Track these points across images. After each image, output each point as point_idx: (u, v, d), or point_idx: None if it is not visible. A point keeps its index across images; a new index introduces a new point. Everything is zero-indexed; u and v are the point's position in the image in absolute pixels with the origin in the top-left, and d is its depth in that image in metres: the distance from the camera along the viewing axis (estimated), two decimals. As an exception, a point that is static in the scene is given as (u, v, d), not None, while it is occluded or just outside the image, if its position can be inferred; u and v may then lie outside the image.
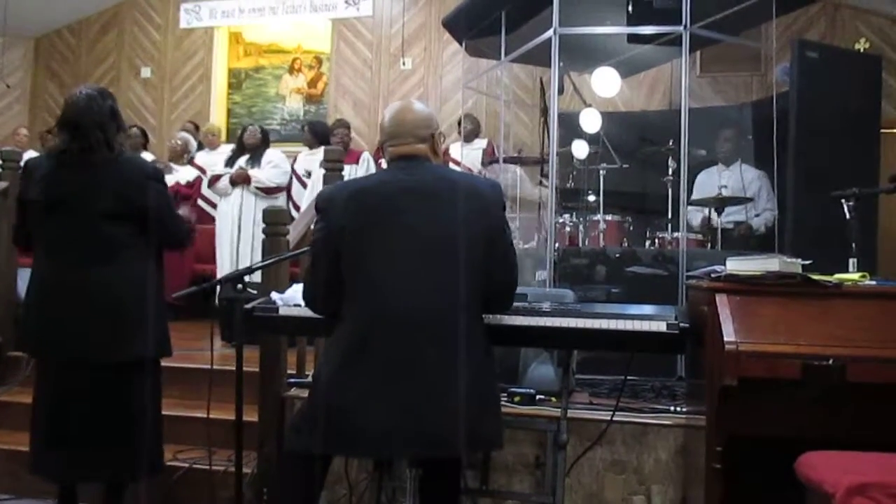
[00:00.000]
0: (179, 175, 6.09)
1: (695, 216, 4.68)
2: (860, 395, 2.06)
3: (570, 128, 4.71)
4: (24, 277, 3.61)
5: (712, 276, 2.28)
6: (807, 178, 4.26)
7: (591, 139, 4.71)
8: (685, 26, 3.67)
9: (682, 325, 2.23)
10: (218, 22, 8.13)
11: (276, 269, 3.03)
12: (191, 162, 6.40)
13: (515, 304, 2.24)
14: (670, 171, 4.47)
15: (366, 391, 1.91)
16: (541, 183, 4.75)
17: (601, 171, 4.62)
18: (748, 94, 6.40)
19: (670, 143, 4.42)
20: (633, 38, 4.37)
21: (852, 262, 2.58)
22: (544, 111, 4.44)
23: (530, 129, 6.85)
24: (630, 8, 4.04)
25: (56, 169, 2.56)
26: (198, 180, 6.18)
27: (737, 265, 2.28)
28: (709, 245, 4.29)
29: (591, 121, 4.61)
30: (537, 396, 2.94)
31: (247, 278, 2.63)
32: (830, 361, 2.01)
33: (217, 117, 7.98)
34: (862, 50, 6.16)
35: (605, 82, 4.59)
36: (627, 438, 2.78)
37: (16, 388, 3.69)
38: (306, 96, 8.03)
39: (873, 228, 4.42)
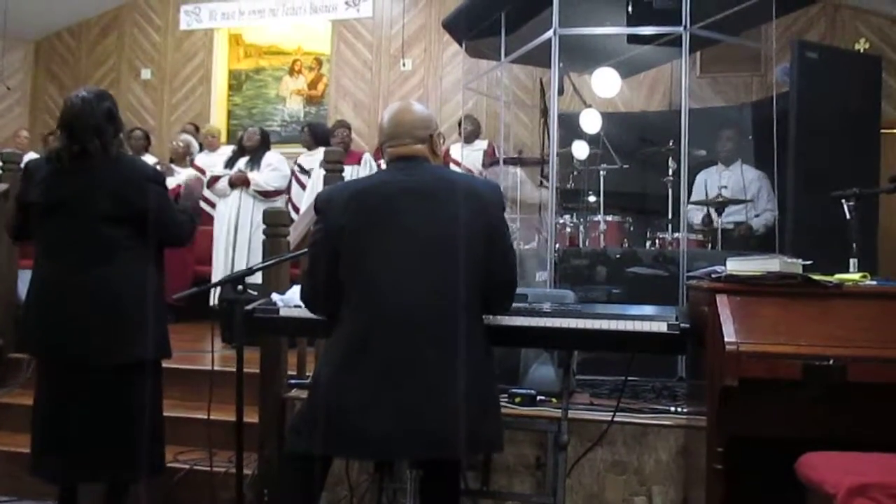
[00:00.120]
0: (181, 177, 6.08)
1: (695, 214, 4.68)
2: (861, 395, 2.06)
3: (571, 128, 4.71)
4: (24, 280, 3.62)
5: (713, 276, 2.28)
6: (807, 178, 4.26)
7: (592, 140, 4.71)
8: (685, 27, 3.67)
9: (682, 325, 2.23)
10: (218, 23, 8.13)
11: (276, 270, 3.03)
12: (192, 164, 6.40)
13: (516, 304, 2.24)
14: (670, 172, 4.47)
15: (365, 392, 1.91)
16: (541, 184, 4.75)
17: (601, 172, 4.62)
18: (748, 94, 6.40)
19: (670, 144, 4.42)
20: (633, 39, 4.37)
21: (853, 262, 2.58)
22: (544, 112, 4.44)
23: (530, 130, 6.85)
24: (630, 8, 4.04)
25: (55, 172, 2.56)
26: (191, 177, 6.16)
27: (737, 266, 2.28)
28: (709, 245, 4.29)
29: (591, 121, 4.61)
30: (538, 397, 2.94)
31: (247, 279, 2.63)
32: (831, 362, 2.01)
33: (217, 119, 7.98)
34: (862, 50, 6.16)
35: (605, 83, 4.59)
36: (628, 439, 2.78)
37: (17, 390, 3.69)
38: (306, 98, 8.03)
39: (874, 229, 4.42)
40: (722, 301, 2.16)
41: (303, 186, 5.94)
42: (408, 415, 1.89)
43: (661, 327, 2.24)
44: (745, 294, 2.18)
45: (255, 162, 5.30)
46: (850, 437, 2.01)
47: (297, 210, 5.60)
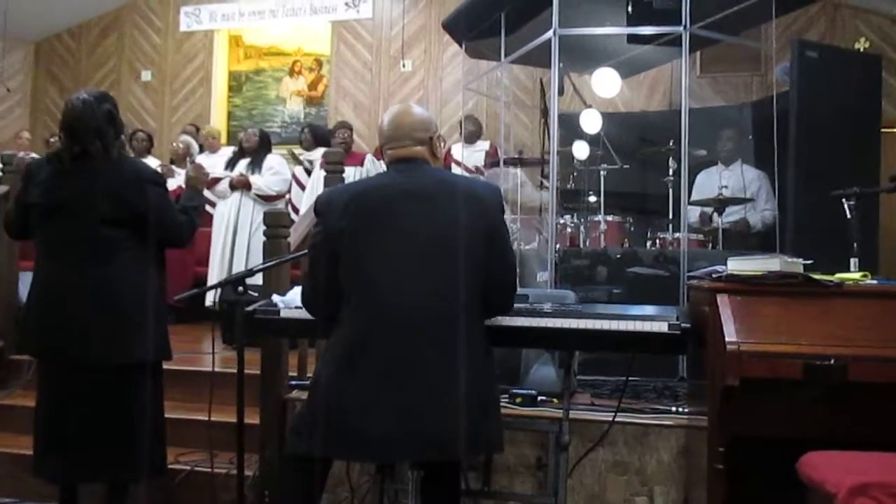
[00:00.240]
0: (182, 178, 6.07)
1: (693, 212, 4.68)
2: (862, 394, 2.06)
3: (571, 128, 4.71)
4: (25, 281, 3.63)
5: (713, 276, 2.28)
6: (807, 177, 4.26)
7: (592, 140, 4.71)
8: (685, 27, 3.67)
9: (683, 325, 2.23)
10: (218, 25, 8.14)
11: (277, 271, 3.03)
12: (192, 165, 6.39)
13: (517, 305, 2.24)
14: (671, 172, 4.47)
15: (365, 394, 1.91)
16: (542, 185, 4.75)
17: (602, 172, 4.62)
18: (748, 94, 6.40)
19: (670, 144, 4.42)
20: (632, 39, 4.37)
21: (853, 261, 2.58)
22: (544, 112, 4.44)
23: (531, 131, 6.85)
24: (630, 8, 4.04)
25: (55, 173, 2.57)
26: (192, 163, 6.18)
27: (738, 265, 2.28)
28: (710, 245, 4.29)
29: (591, 121, 4.61)
30: (539, 397, 2.94)
31: (248, 281, 2.63)
32: (832, 361, 2.01)
33: (217, 120, 7.99)
34: (862, 49, 6.16)
35: (606, 83, 4.59)
36: (629, 439, 2.77)
37: (18, 392, 3.69)
38: (307, 99, 8.03)
39: (874, 228, 4.42)
40: (723, 301, 2.16)
41: (302, 187, 5.94)
42: (408, 416, 1.89)
43: (661, 327, 2.24)
44: (746, 294, 2.18)
45: (256, 164, 5.30)
46: (851, 436, 2.01)
47: (296, 211, 5.60)
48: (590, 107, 4.82)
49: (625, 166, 4.72)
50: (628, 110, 6.53)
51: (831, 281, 2.20)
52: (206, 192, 5.50)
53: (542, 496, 2.76)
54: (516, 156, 5.17)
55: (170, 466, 2.99)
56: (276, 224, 3.17)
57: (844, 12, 6.51)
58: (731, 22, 4.10)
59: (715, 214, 4.35)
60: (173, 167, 6.16)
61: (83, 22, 8.47)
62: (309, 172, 6.05)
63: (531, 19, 4.31)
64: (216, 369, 2.99)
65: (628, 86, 6.08)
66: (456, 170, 6.16)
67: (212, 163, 5.91)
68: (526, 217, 4.87)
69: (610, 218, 4.43)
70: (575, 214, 4.54)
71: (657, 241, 4.33)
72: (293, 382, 3.16)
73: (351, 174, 5.36)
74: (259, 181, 5.23)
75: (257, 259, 3.77)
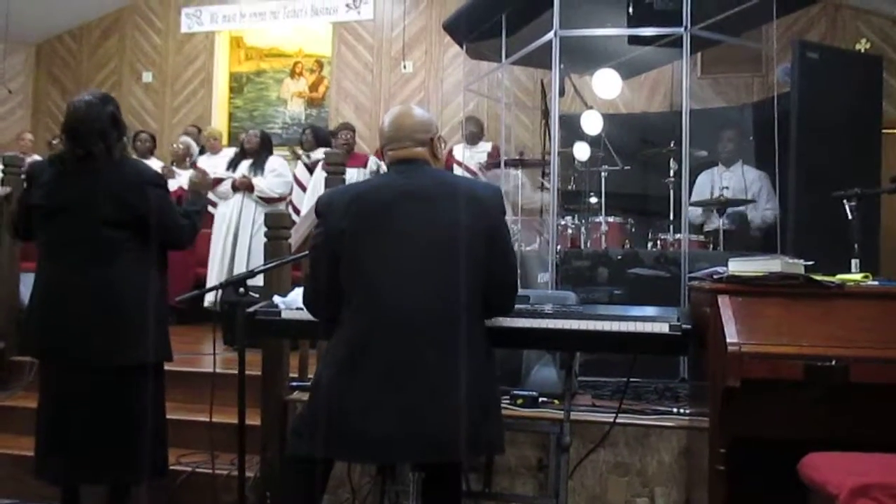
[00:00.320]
0: (182, 179, 6.10)
1: (697, 217, 4.68)
2: (863, 395, 2.05)
3: (572, 130, 4.71)
4: (26, 283, 3.63)
5: (714, 277, 2.28)
6: (808, 178, 4.26)
7: (593, 141, 4.71)
8: (686, 28, 3.67)
9: (684, 326, 2.23)
10: (219, 26, 8.14)
11: (278, 272, 3.03)
12: (193, 166, 6.41)
13: (517, 306, 2.24)
14: (671, 173, 4.47)
15: (366, 395, 1.91)
16: (542, 186, 4.75)
17: (602, 173, 4.62)
18: (749, 95, 6.40)
19: (671, 145, 4.42)
20: (633, 40, 4.37)
21: (854, 262, 2.58)
22: (545, 113, 4.45)
23: (531, 132, 6.85)
24: (630, 10, 4.04)
25: (58, 175, 2.57)
26: (195, 168, 6.20)
27: (739, 266, 2.28)
28: (711, 246, 4.29)
29: (592, 123, 4.61)
30: (540, 399, 2.93)
31: (248, 282, 2.63)
32: (833, 362, 2.01)
33: (218, 121, 7.99)
34: (863, 50, 6.15)
35: (606, 84, 4.59)
36: (630, 440, 2.77)
37: (20, 393, 3.70)
38: (308, 100, 8.04)
39: (875, 229, 4.42)
40: (724, 302, 2.16)
41: (303, 189, 5.94)
42: (409, 417, 1.89)
43: (662, 328, 2.24)
44: (747, 295, 2.18)
45: (258, 166, 5.29)
46: (852, 437, 2.01)
47: (297, 212, 5.60)
48: (591, 108, 4.82)
49: (626, 167, 4.72)
50: (629, 111, 6.53)
51: (832, 282, 2.20)
52: (209, 193, 5.51)
53: (544, 497, 2.76)
54: (517, 157, 5.17)
55: (171, 468, 2.99)
56: (277, 225, 3.17)
57: (845, 13, 6.51)
58: (731, 23, 4.10)
59: (715, 216, 4.35)
60: (174, 168, 6.17)
61: (84, 23, 8.48)
62: (308, 168, 6.05)
63: (532, 20, 4.31)
64: (217, 370, 3.00)
65: (629, 87, 6.09)
66: (458, 171, 6.16)
67: (213, 164, 5.93)
68: (526, 218, 4.88)
69: (611, 219, 4.43)
70: (576, 215, 4.54)
71: (658, 242, 4.33)
72: (294, 383, 3.16)
73: (354, 176, 5.37)
74: (262, 183, 5.23)
75: (258, 260, 3.77)
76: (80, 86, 8.02)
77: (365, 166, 5.88)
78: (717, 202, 4.32)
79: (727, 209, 4.38)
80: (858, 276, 2.35)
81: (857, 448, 1.93)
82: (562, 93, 4.04)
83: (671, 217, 4.42)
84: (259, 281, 3.08)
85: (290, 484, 2.16)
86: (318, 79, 8.01)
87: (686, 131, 3.67)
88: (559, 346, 2.64)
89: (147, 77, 8.31)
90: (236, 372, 2.57)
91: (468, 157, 6.29)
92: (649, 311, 2.44)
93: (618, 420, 2.73)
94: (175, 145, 6.50)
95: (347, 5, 7.75)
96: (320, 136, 6.58)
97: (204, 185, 3.02)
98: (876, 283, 2.29)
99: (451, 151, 6.43)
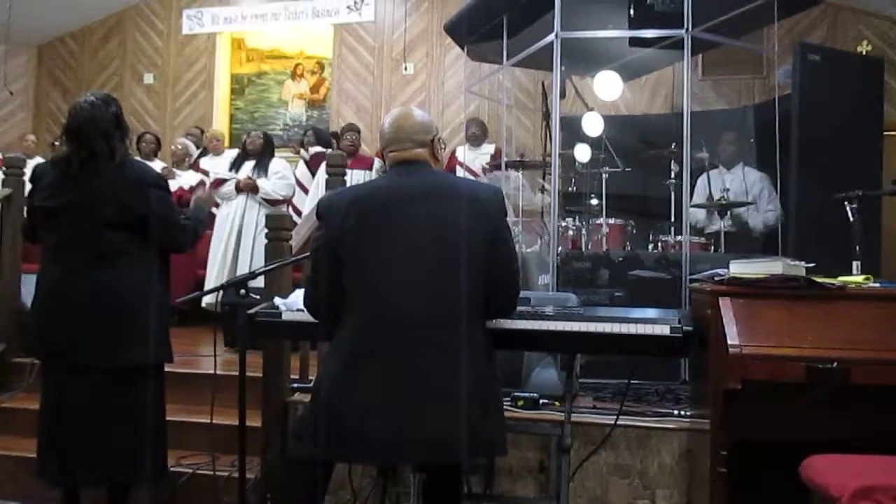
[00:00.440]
0: (182, 180, 6.12)
1: (698, 218, 4.67)
2: (864, 397, 2.05)
3: (573, 131, 4.70)
4: (28, 284, 3.63)
5: (716, 279, 2.28)
6: (809, 180, 4.26)
7: (594, 143, 4.70)
8: (687, 29, 3.67)
9: (685, 328, 2.23)
10: (220, 28, 8.15)
11: (278, 273, 3.03)
12: (195, 167, 6.43)
13: (518, 308, 2.24)
14: (672, 175, 4.47)
15: (367, 397, 1.91)
16: (542, 189, 4.75)
17: (603, 175, 4.62)
18: (750, 97, 6.41)
19: (672, 147, 4.41)
20: (634, 42, 4.37)
21: (856, 264, 2.58)
22: (546, 115, 4.44)
23: (532, 133, 6.86)
24: (632, 11, 4.04)
25: (60, 177, 2.58)
26: (200, 184, 6.21)
27: (740, 268, 2.28)
28: (712, 248, 4.29)
29: (593, 124, 4.61)
30: (541, 400, 2.93)
31: (249, 283, 2.63)
32: (834, 364, 2.01)
33: (220, 123, 8.00)
34: (864, 52, 6.15)
35: (607, 86, 4.59)
36: (631, 442, 2.77)
37: (20, 394, 3.69)
38: (309, 101, 8.04)
39: (877, 231, 4.42)
40: (725, 304, 2.16)
41: (305, 191, 5.94)
42: (411, 419, 1.89)
43: (663, 330, 2.24)
44: (748, 296, 2.18)
45: (261, 168, 5.28)
46: (854, 439, 2.01)
47: (298, 214, 5.60)
48: (591, 109, 4.81)
49: (626, 169, 4.72)
50: (630, 113, 6.53)
51: (834, 284, 2.20)
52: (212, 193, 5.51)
53: (544, 499, 2.76)
54: (518, 159, 5.17)
55: (172, 469, 3.00)
56: (277, 227, 3.17)
57: (846, 15, 6.52)
58: (732, 25, 4.10)
59: (717, 217, 4.35)
60: (173, 169, 6.18)
61: (86, 25, 8.49)
62: (310, 168, 6.05)
63: (533, 22, 4.31)
64: (218, 372, 2.99)
65: (630, 89, 6.09)
66: (460, 172, 6.17)
67: (216, 165, 5.94)
68: (527, 220, 4.87)
69: (612, 221, 4.42)
70: (577, 217, 4.53)
71: (659, 243, 4.33)
72: (295, 385, 3.16)
73: (360, 178, 5.37)
74: (266, 185, 5.23)
75: (261, 262, 3.76)
76: (82, 87, 8.03)
77: (370, 169, 5.87)
78: (718, 204, 4.31)
79: (728, 213, 4.37)
80: (860, 278, 2.35)
81: (859, 450, 1.93)
82: (563, 94, 4.04)
83: (672, 219, 4.41)
84: (260, 282, 3.08)
85: (291, 485, 2.16)
86: (319, 80, 8.01)
87: (687, 133, 3.67)
88: (560, 347, 2.64)
89: (148, 78, 8.32)
90: (237, 373, 2.57)
91: (471, 159, 6.29)
92: (650, 312, 2.43)
93: (619, 422, 2.73)
94: (173, 147, 6.53)
95: (348, 7, 7.76)
96: (322, 137, 6.59)
97: (208, 203, 3.05)
98: (877, 285, 2.29)
99: (453, 153, 6.44)
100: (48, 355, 2.62)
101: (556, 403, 2.92)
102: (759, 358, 2.04)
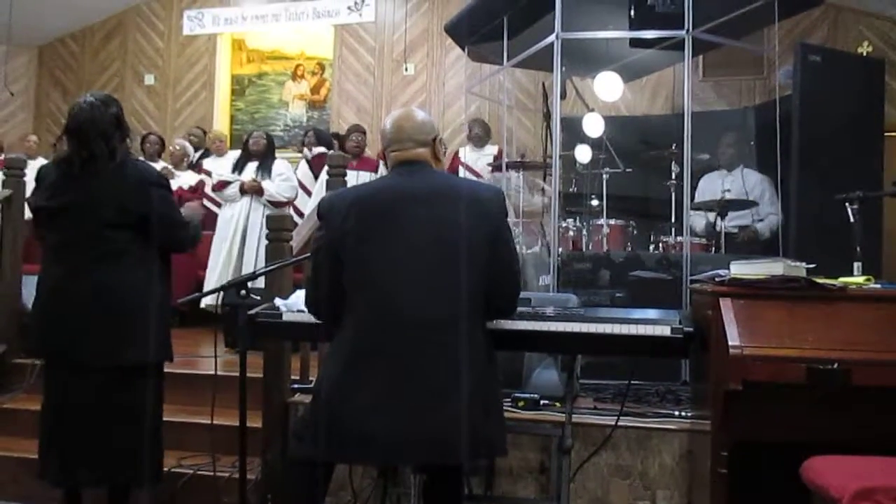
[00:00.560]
0: (181, 180, 6.14)
1: (698, 221, 4.67)
2: (865, 398, 2.05)
3: (573, 132, 4.71)
4: (28, 285, 3.64)
5: (716, 280, 2.28)
6: (810, 181, 4.26)
7: (594, 143, 4.71)
8: (687, 30, 3.67)
9: (686, 329, 2.23)
10: (221, 29, 8.15)
11: (279, 274, 3.03)
12: (198, 167, 6.45)
13: (519, 308, 2.24)
14: (673, 175, 4.47)
15: (368, 397, 1.91)
16: (543, 191, 4.75)
17: (604, 176, 4.62)
18: (751, 97, 6.40)
19: (673, 147, 4.42)
20: (635, 43, 4.36)
21: (857, 265, 2.58)
22: (547, 116, 4.45)
23: (533, 134, 6.86)
24: (632, 12, 4.04)
25: (61, 177, 2.58)
26: (200, 184, 6.24)
27: (741, 269, 2.28)
28: (713, 249, 4.29)
29: (593, 125, 4.61)
30: (541, 401, 2.93)
31: (250, 284, 2.63)
32: (835, 365, 2.01)
33: (220, 124, 8.00)
34: (865, 53, 6.16)
35: (608, 87, 4.59)
36: (632, 443, 2.77)
37: (21, 395, 3.70)
38: (309, 102, 8.04)
39: (878, 232, 4.42)
40: (726, 304, 2.16)
41: (307, 192, 5.93)
42: (411, 419, 1.89)
43: (664, 331, 2.24)
44: (749, 297, 2.17)
45: (265, 169, 5.29)
46: (854, 440, 2.01)
47: (300, 215, 5.60)
48: (592, 110, 4.82)
49: (627, 170, 4.72)
50: (631, 114, 6.53)
51: (834, 285, 2.20)
52: (214, 195, 5.53)
53: (545, 500, 2.76)
54: (518, 159, 5.17)
55: (172, 470, 3.01)
56: (278, 227, 3.17)
57: (847, 16, 6.51)
58: (733, 26, 4.10)
59: (718, 218, 4.35)
60: (172, 169, 6.20)
61: (86, 26, 8.49)
62: (312, 169, 6.04)
63: (533, 23, 4.31)
64: (219, 373, 2.99)
65: (631, 89, 6.09)
66: (463, 173, 6.17)
67: (219, 166, 5.95)
68: (526, 221, 4.87)
69: (612, 221, 4.43)
70: (577, 218, 4.53)
71: (660, 244, 4.33)
72: (295, 386, 3.16)
73: (366, 179, 5.37)
74: (271, 187, 5.23)
75: (267, 263, 3.77)
76: (83, 88, 8.02)
77: (376, 171, 5.86)
78: (719, 205, 4.31)
79: (728, 214, 4.37)
80: (861, 279, 2.35)
81: (860, 451, 1.92)
82: (563, 95, 4.04)
83: (673, 220, 4.42)
84: (260, 283, 3.08)
85: (292, 486, 2.16)
86: (319, 81, 8.01)
87: (687, 134, 3.67)
88: (561, 348, 2.64)
89: (149, 79, 8.32)
90: (237, 374, 2.57)
91: (474, 160, 6.29)
92: (651, 313, 2.43)
93: (619, 423, 2.73)
94: (171, 148, 6.56)
95: (349, 8, 7.76)
96: (323, 138, 6.59)
97: (197, 213, 3.09)
98: (878, 286, 2.29)
99: (456, 154, 6.45)
100: (49, 355, 2.62)
101: (557, 404, 2.92)
102: (760, 359, 2.04)
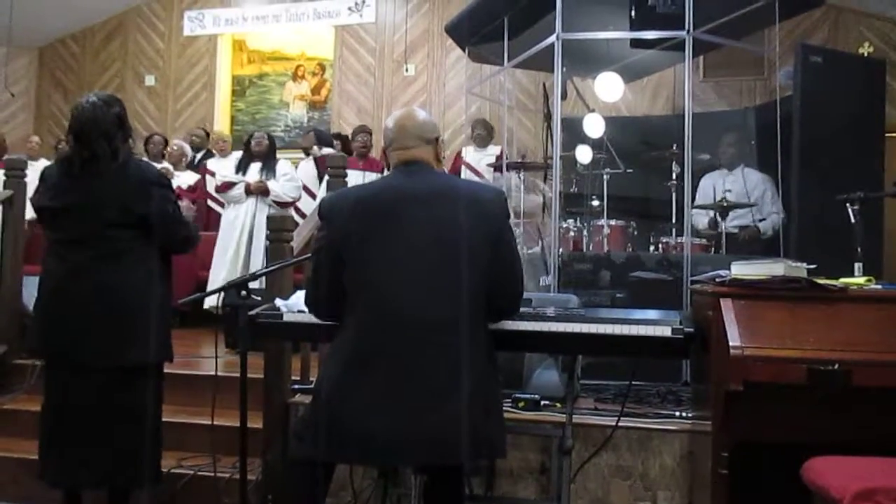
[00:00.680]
0: (180, 180, 6.15)
1: (700, 220, 4.67)
2: (866, 399, 2.05)
3: (574, 132, 4.70)
4: (29, 286, 3.63)
5: (717, 280, 2.28)
6: (811, 182, 4.26)
7: (595, 144, 4.71)
8: (688, 31, 3.67)
9: (686, 330, 2.23)
10: (221, 29, 8.16)
11: (279, 275, 3.03)
12: (201, 167, 6.46)
13: (520, 309, 2.23)
14: (674, 176, 4.47)
15: (369, 398, 1.91)
16: (540, 190, 4.75)
17: (605, 176, 4.62)
18: (751, 98, 6.41)
19: (674, 148, 4.41)
20: (636, 43, 4.36)
21: (858, 266, 2.58)
22: (547, 116, 4.45)
23: (533, 135, 6.86)
24: (633, 13, 4.04)
25: (63, 177, 2.58)
26: (199, 183, 6.25)
27: (741, 269, 2.28)
28: (713, 249, 4.29)
29: (594, 125, 4.61)
30: (542, 402, 2.93)
31: (250, 284, 2.63)
32: (836, 366, 2.00)
33: (221, 125, 8.00)
34: (865, 54, 6.16)
35: (609, 87, 4.59)
36: (633, 444, 2.77)
37: (22, 396, 3.69)
38: (310, 103, 8.05)
39: (879, 232, 4.42)
40: (726, 305, 2.16)
41: (313, 196, 5.93)
42: (412, 420, 1.89)
43: (665, 332, 2.24)
44: (750, 298, 2.17)
45: (269, 169, 5.29)
46: (855, 441, 2.00)
47: (302, 215, 5.60)
48: (593, 111, 4.81)
49: (628, 170, 4.72)
50: (631, 114, 6.53)
51: (835, 285, 2.20)
52: (218, 195, 5.54)
53: (546, 501, 2.76)
54: (519, 160, 5.17)
55: (172, 471, 3.01)
56: (279, 228, 3.17)
57: (848, 17, 6.51)
58: (734, 26, 4.10)
59: (719, 219, 4.35)
60: (171, 169, 6.21)
61: (87, 27, 8.50)
62: (318, 167, 6.05)
63: (534, 24, 4.31)
64: (219, 373, 2.99)
65: (631, 90, 6.09)
66: (466, 173, 6.18)
67: (222, 167, 5.95)
68: (526, 221, 4.87)
69: (613, 222, 4.42)
70: (578, 218, 4.53)
71: (660, 245, 4.32)
72: (296, 386, 3.16)
73: (372, 179, 5.37)
74: (277, 187, 5.23)
75: (274, 264, 3.77)
76: (83, 89, 8.03)
77: (382, 172, 5.86)
78: (720, 206, 4.31)
79: (729, 213, 4.37)
80: (861, 280, 2.34)
81: (861, 452, 1.92)
82: (564, 96, 4.04)
83: (673, 220, 4.41)
84: (261, 283, 3.08)
85: (293, 487, 2.15)
86: (320, 82, 8.02)
87: (688, 134, 3.67)
88: (561, 349, 2.64)
89: (150, 80, 8.33)
90: (238, 375, 2.57)
91: (477, 160, 6.30)
92: (651, 314, 2.43)
93: (620, 423, 2.73)
94: (169, 149, 6.57)
95: (349, 8, 7.76)
96: (324, 139, 6.60)
97: (190, 215, 3.09)
98: (879, 286, 2.29)
99: (459, 154, 6.45)
100: (51, 356, 2.62)
101: (558, 405, 2.92)
102: (761, 359, 2.04)
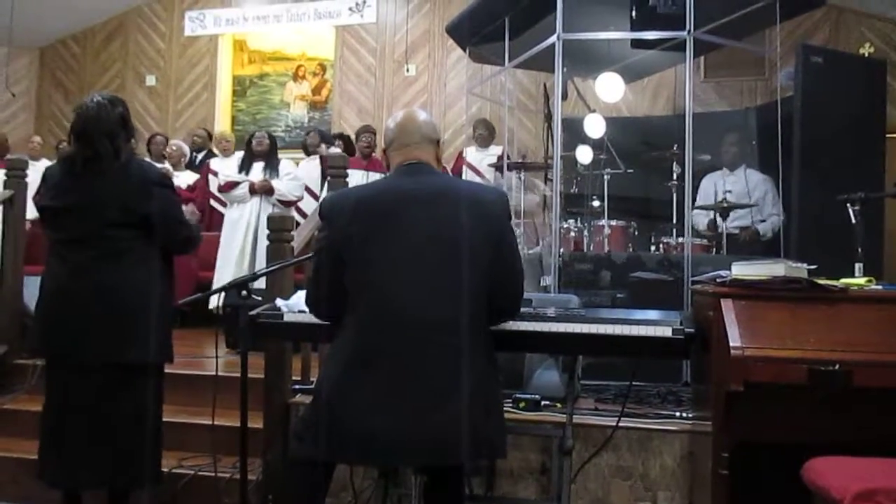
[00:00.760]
0: (179, 180, 6.16)
1: (700, 220, 4.67)
2: (866, 400, 2.05)
3: (574, 133, 4.71)
4: (30, 286, 3.63)
5: (718, 281, 2.28)
6: (812, 182, 4.26)
7: (596, 144, 4.71)
8: (689, 31, 3.67)
9: (687, 330, 2.23)
10: (222, 30, 8.16)
11: (280, 275, 3.03)
12: (204, 167, 6.46)
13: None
14: (675, 176, 4.47)
15: (369, 398, 1.91)
16: (538, 190, 4.76)
17: (605, 176, 4.62)
18: (752, 98, 6.40)
19: (674, 148, 4.41)
20: (636, 44, 4.36)
21: (858, 266, 2.58)
22: (548, 116, 4.45)
23: (534, 135, 6.86)
24: (633, 13, 4.04)
25: (65, 177, 2.59)
26: (198, 183, 6.25)
27: (742, 270, 2.28)
28: (714, 250, 4.28)
29: (595, 126, 4.61)
30: (542, 402, 2.93)
31: (251, 285, 2.63)
32: (837, 366, 2.00)
33: (222, 125, 8.00)
34: (866, 54, 6.16)
35: (609, 87, 4.60)
36: (633, 444, 2.77)
37: (22, 396, 3.69)
38: (310, 103, 8.05)
39: (879, 233, 4.42)
40: (727, 305, 2.16)
41: (314, 196, 5.93)
42: (412, 420, 1.89)
43: (665, 332, 2.24)
44: (751, 298, 2.17)
45: (271, 169, 5.30)
46: (856, 441, 2.00)
47: (303, 214, 5.60)
48: (593, 111, 4.82)
49: (628, 171, 4.72)
50: (632, 115, 6.53)
51: (836, 286, 2.20)
52: (222, 195, 5.54)
53: (546, 501, 2.75)
54: (520, 160, 5.17)
55: (173, 471, 3.00)
56: (279, 228, 3.17)
57: (849, 17, 6.51)
58: (734, 27, 4.10)
59: (719, 219, 4.35)
60: (171, 169, 6.22)
61: (88, 27, 8.51)
62: (323, 167, 6.06)
63: (535, 24, 4.31)
64: (220, 373, 2.99)
65: (632, 90, 6.09)
66: (468, 173, 6.18)
67: (226, 166, 5.95)
68: (527, 221, 4.88)
69: (614, 222, 4.42)
70: (578, 219, 4.53)
71: (661, 245, 4.32)
72: (296, 386, 3.16)
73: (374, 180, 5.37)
74: (281, 187, 5.24)
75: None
76: (84, 90, 8.05)
77: (385, 172, 5.86)
78: (720, 206, 4.31)
79: (730, 214, 4.37)
80: (862, 281, 2.34)
81: (861, 452, 1.92)
82: (564, 96, 4.04)
83: (674, 220, 4.41)
84: (262, 284, 3.08)
85: (293, 487, 2.15)
86: (320, 82, 8.02)
87: (689, 135, 3.67)
88: (562, 349, 2.64)
89: (150, 80, 8.33)
90: (238, 375, 2.56)
91: (478, 160, 6.30)
92: (652, 314, 2.43)
93: (620, 424, 2.73)
94: (168, 149, 6.58)
95: (350, 9, 7.77)
96: (325, 139, 6.60)
97: (192, 219, 3.09)
98: (879, 287, 2.29)
99: (461, 154, 6.45)
100: (52, 356, 2.62)
101: (558, 405, 2.92)
102: (761, 360, 2.04)
